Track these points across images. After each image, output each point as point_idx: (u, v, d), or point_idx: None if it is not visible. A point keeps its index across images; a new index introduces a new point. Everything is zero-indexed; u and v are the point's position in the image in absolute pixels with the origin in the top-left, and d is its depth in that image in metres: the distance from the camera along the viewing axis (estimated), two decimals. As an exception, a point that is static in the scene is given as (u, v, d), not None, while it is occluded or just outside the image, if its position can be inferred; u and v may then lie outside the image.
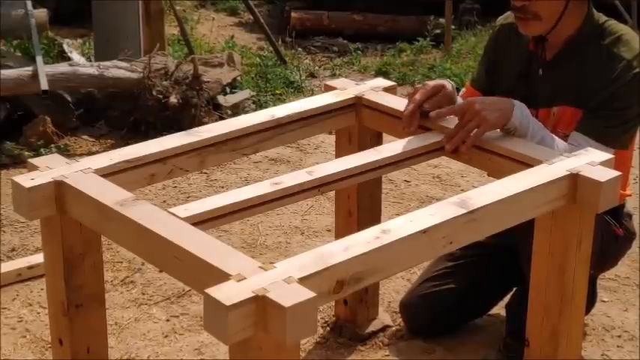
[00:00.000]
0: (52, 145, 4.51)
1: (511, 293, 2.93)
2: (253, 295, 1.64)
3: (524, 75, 2.67)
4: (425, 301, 2.93)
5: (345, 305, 2.99)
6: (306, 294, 1.64)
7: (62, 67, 4.77)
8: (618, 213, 2.70)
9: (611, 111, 2.49)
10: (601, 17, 2.61)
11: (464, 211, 1.99)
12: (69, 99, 4.85)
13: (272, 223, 3.76)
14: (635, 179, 4.25)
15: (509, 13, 2.70)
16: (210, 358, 2.87)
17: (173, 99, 4.71)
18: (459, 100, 2.57)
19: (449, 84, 2.53)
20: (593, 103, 2.50)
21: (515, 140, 2.38)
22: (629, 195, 2.76)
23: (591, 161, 2.24)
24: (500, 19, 2.81)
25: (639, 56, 2.51)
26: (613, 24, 2.60)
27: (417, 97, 2.46)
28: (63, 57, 5.59)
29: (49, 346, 2.67)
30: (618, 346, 2.96)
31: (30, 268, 3.31)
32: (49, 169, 2.15)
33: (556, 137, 2.46)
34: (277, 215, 3.79)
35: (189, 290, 3.19)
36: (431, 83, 2.51)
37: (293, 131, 2.56)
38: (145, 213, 1.95)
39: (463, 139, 2.36)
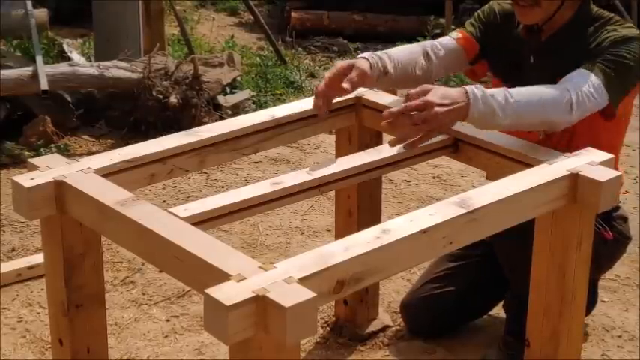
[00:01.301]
0: (52, 145, 4.50)
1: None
2: (253, 295, 1.64)
3: (516, 64, 2.64)
4: (425, 302, 2.93)
5: (345, 305, 2.99)
6: (306, 294, 1.64)
7: (62, 67, 4.77)
8: (609, 216, 2.67)
9: (605, 54, 2.44)
10: (595, 8, 2.59)
11: (464, 211, 1.99)
12: (69, 99, 4.85)
13: (272, 223, 3.76)
14: (635, 179, 4.25)
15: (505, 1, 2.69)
16: (210, 358, 2.87)
17: (173, 99, 4.71)
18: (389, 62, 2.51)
19: (364, 62, 2.43)
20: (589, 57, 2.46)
21: (516, 140, 2.38)
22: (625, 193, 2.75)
23: (591, 161, 2.24)
24: (495, 4, 2.75)
25: (634, 33, 2.48)
26: (608, 13, 2.58)
27: (327, 74, 2.40)
28: (63, 57, 5.59)
29: (49, 346, 2.67)
30: (618, 346, 2.96)
31: (30, 268, 3.31)
32: (49, 169, 2.14)
33: (544, 92, 2.33)
34: (277, 215, 3.79)
35: (190, 290, 3.19)
36: (340, 62, 2.43)
37: (293, 131, 2.56)
38: (145, 213, 1.95)
39: (410, 136, 2.23)
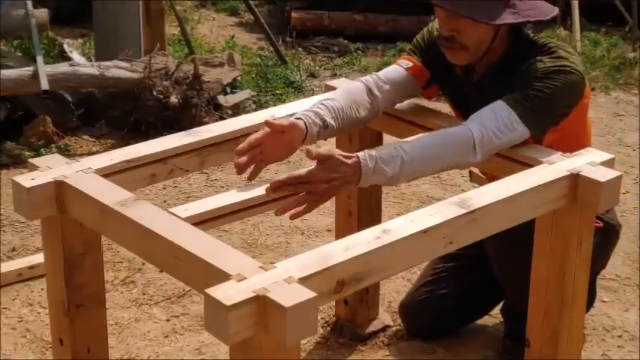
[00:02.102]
0: (53, 145, 4.51)
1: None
2: (254, 295, 1.64)
3: (461, 90, 2.58)
4: (424, 304, 2.93)
5: (345, 305, 2.99)
6: (306, 294, 1.64)
7: (62, 67, 4.77)
8: None
9: (526, 89, 2.34)
10: (529, 35, 2.50)
11: (464, 211, 1.99)
12: (69, 99, 4.85)
13: (272, 223, 3.76)
14: (635, 179, 4.25)
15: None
16: (211, 358, 2.87)
17: (173, 99, 4.71)
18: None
19: (299, 122, 2.31)
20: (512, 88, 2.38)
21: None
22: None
23: (592, 161, 2.24)
24: (434, 29, 2.60)
25: (562, 64, 2.37)
26: (543, 40, 2.48)
27: (253, 136, 2.26)
28: (63, 57, 5.59)
29: (50, 346, 2.67)
30: (619, 346, 2.96)
31: (30, 268, 3.31)
32: (49, 169, 2.15)
33: (446, 137, 2.28)
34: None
35: (190, 290, 3.19)
36: (272, 122, 2.28)
37: (293, 131, 2.56)
38: (146, 213, 1.95)
39: (292, 206, 2.13)
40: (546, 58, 2.39)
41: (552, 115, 2.38)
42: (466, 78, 2.54)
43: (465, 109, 2.51)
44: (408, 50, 2.66)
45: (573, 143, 2.40)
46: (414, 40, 2.67)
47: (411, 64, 2.60)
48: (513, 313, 2.79)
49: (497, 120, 2.29)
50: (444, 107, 3.48)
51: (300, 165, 4.38)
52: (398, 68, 2.60)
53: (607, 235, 2.69)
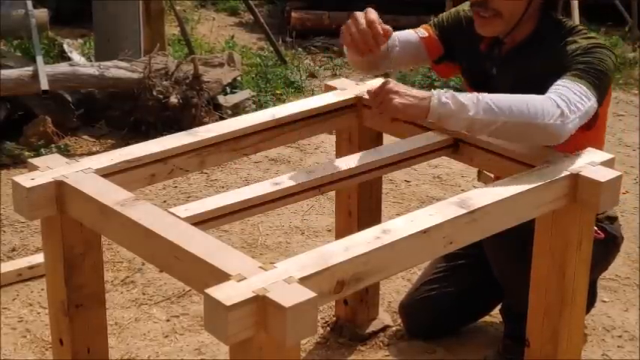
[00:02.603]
0: (53, 145, 4.50)
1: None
2: (253, 295, 1.64)
3: (482, 71, 2.59)
4: (424, 303, 2.93)
5: (345, 305, 2.99)
6: (306, 294, 1.64)
7: (62, 67, 4.77)
8: (597, 217, 2.65)
9: (576, 65, 2.35)
10: (557, 17, 2.52)
11: (464, 211, 1.99)
12: (69, 99, 4.85)
13: (272, 223, 3.76)
14: (635, 179, 4.25)
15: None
16: (211, 358, 2.87)
17: (173, 99, 4.71)
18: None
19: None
20: (554, 76, 2.37)
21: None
22: None
23: (591, 161, 2.24)
24: (461, 9, 2.66)
25: (597, 42, 2.41)
26: (573, 23, 2.52)
27: (372, 16, 2.26)
28: (63, 57, 5.59)
29: (50, 346, 2.67)
30: (619, 347, 2.96)
31: (30, 268, 3.31)
32: (49, 169, 2.15)
33: (529, 100, 2.24)
34: (277, 215, 3.79)
35: (190, 290, 3.19)
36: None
37: (293, 131, 2.56)
38: (146, 213, 1.95)
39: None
40: (579, 38, 2.42)
41: (605, 87, 2.38)
42: (491, 54, 2.55)
43: (485, 89, 2.42)
44: (429, 23, 2.70)
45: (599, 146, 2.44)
46: (439, 15, 2.71)
47: (426, 34, 2.64)
48: (513, 313, 2.79)
49: (570, 90, 2.27)
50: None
51: (300, 165, 4.38)
52: (412, 33, 2.65)
53: (607, 246, 2.69)
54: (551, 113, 2.21)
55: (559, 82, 2.31)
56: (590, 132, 2.46)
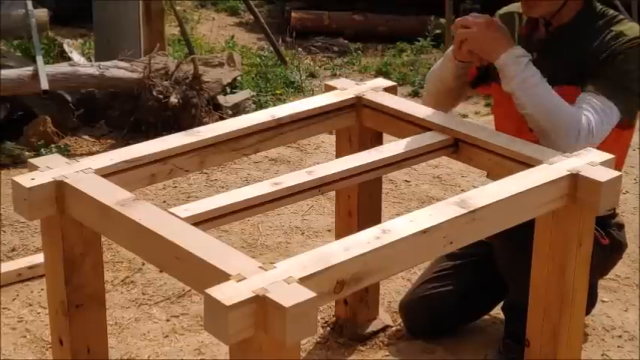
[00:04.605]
0: (53, 145, 4.50)
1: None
2: (253, 295, 1.64)
3: None
4: (425, 302, 2.93)
5: (345, 305, 2.99)
6: (306, 294, 1.64)
7: (62, 67, 4.77)
8: (606, 222, 2.68)
9: (613, 68, 2.48)
10: (599, 5, 2.60)
11: (464, 211, 1.99)
12: (69, 99, 4.85)
13: (272, 223, 3.76)
14: (635, 179, 4.25)
15: (509, 6, 2.71)
16: (211, 358, 2.87)
17: (173, 99, 4.71)
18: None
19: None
20: (593, 69, 2.49)
21: (516, 140, 2.38)
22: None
23: (591, 161, 2.24)
24: (499, 11, 2.78)
25: (636, 32, 2.50)
26: (612, 11, 2.60)
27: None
28: (63, 57, 5.59)
29: (49, 346, 2.67)
30: (618, 347, 2.96)
31: (30, 268, 3.31)
32: (49, 169, 2.15)
33: (565, 103, 2.44)
34: (277, 215, 3.79)
35: (190, 290, 3.19)
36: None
37: (293, 131, 2.56)
38: (145, 213, 1.96)
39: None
40: (621, 25, 2.53)
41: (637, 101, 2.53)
42: (532, 37, 2.62)
43: None
44: None
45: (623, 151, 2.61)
46: None
47: None
48: (514, 312, 2.78)
49: (600, 116, 2.43)
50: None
51: (300, 165, 4.38)
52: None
53: (611, 253, 2.71)
54: (572, 133, 2.39)
55: (587, 93, 2.45)
56: (626, 132, 2.57)
